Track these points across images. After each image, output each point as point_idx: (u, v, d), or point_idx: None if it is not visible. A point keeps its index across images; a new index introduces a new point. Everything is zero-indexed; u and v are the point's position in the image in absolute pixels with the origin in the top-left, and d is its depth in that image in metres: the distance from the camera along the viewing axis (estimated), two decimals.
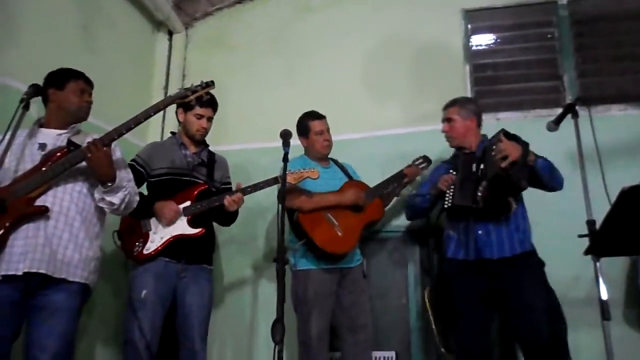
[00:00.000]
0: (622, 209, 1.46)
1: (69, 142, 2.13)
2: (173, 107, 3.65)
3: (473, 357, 2.40)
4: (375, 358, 2.92)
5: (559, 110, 3.16)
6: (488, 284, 2.40)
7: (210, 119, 2.72)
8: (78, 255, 2.06)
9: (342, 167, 2.99)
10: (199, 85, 2.26)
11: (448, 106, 2.76)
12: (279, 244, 1.84)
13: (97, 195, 2.14)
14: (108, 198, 2.12)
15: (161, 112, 3.70)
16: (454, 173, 2.55)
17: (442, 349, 2.76)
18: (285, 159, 2.13)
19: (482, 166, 2.45)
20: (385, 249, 3.32)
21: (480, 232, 2.45)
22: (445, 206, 2.52)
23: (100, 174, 2.07)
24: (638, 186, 1.43)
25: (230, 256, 3.42)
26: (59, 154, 2.09)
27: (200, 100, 2.58)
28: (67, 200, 2.08)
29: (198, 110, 2.66)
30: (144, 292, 2.38)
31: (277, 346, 1.65)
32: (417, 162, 3.06)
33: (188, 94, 2.24)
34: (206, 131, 2.72)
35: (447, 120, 2.73)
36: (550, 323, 2.27)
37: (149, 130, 3.66)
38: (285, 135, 2.21)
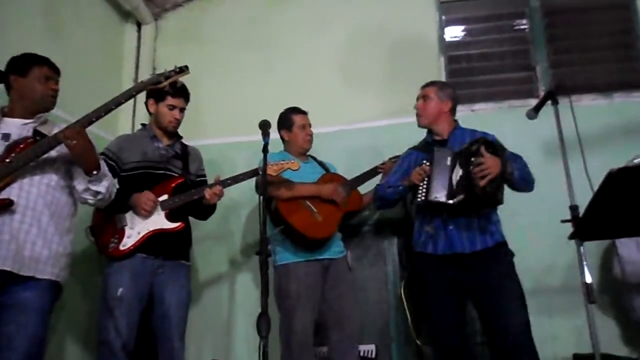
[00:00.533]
0: (608, 191, 1.46)
1: (35, 131, 2.02)
2: (144, 94, 3.61)
3: (449, 350, 2.37)
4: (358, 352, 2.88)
5: (533, 101, 3.25)
6: (458, 276, 2.36)
7: (182, 110, 2.63)
8: (47, 252, 1.96)
9: (321, 164, 2.97)
10: (172, 71, 2.19)
11: (426, 85, 2.70)
12: (261, 236, 1.78)
13: (80, 186, 2.05)
14: (94, 187, 2.03)
15: (132, 104, 3.66)
16: (427, 164, 2.44)
17: (418, 342, 2.75)
18: (265, 150, 2.08)
19: (457, 163, 2.37)
20: (364, 242, 3.31)
21: (451, 227, 2.40)
22: (419, 199, 2.42)
23: (85, 162, 1.98)
24: (625, 168, 1.43)
25: (206, 252, 3.34)
26: (22, 145, 1.97)
27: (172, 90, 2.49)
28: (34, 193, 1.97)
29: (170, 100, 2.56)
30: (120, 289, 2.28)
31: (262, 340, 1.58)
32: (392, 159, 3.02)
33: (161, 80, 2.17)
34: (179, 122, 2.63)
35: (422, 97, 2.66)
36: (521, 311, 2.26)
37: (118, 122, 3.53)
38: (265, 126, 2.16)
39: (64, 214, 2.08)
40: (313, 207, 2.66)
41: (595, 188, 1.61)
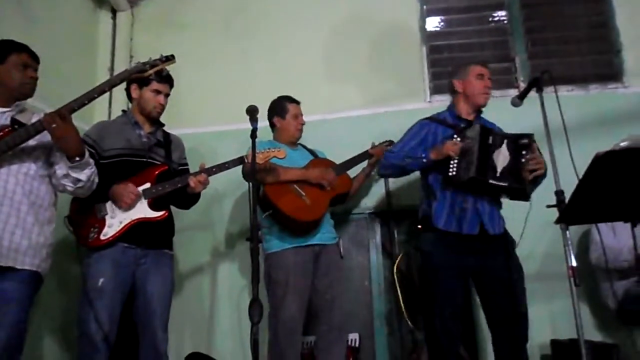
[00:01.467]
0: (594, 175, 1.49)
1: (13, 120, 1.96)
2: (120, 86, 3.52)
3: (451, 338, 2.36)
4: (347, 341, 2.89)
5: (512, 91, 3.33)
6: (474, 261, 2.38)
7: (167, 96, 2.57)
8: (27, 242, 1.92)
9: (311, 151, 2.96)
10: (158, 59, 2.14)
11: (486, 65, 2.68)
12: (252, 222, 1.76)
13: (60, 171, 1.99)
14: (74, 174, 1.99)
15: (107, 93, 3.55)
16: (458, 139, 2.41)
17: (410, 325, 2.76)
18: (253, 135, 2.04)
19: (502, 145, 2.39)
20: (347, 231, 3.32)
21: (479, 206, 2.41)
22: (450, 175, 2.38)
23: (68, 147, 1.94)
24: (611, 151, 1.46)
25: (188, 242, 3.28)
26: (1, 133, 1.91)
27: (157, 75, 2.43)
28: (12, 182, 1.92)
29: (155, 85, 2.50)
30: (101, 280, 2.22)
31: (253, 327, 1.56)
32: (383, 143, 3.05)
33: (147, 68, 2.13)
34: (163, 108, 2.57)
35: (490, 79, 2.62)
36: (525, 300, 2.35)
37: (94, 111, 3.43)
38: (252, 112, 2.12)
39: (44, 203, 2.03)
40: (301, 191, 2.65)
41: (579, 175, 1.65)
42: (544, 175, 2.40)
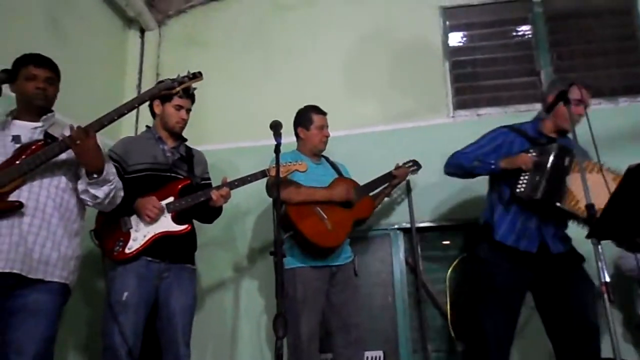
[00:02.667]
0: (627, 188, 1.45)
1: (46, 134, 2.02)
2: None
3: (501, 345, 2.28)
4: (364, 357, 2.84)
5: (538, 105, 3.27)
6: (531, 275, 2.31)
7: (188, 111, 2.61)
8: (56, 254, 1.94)
9: (333, 165, 2.94)
10: (185, 76, 2.16)
11: (588, 89, 2.46)
12: (276, 237, 1.75)
13: (80, 187, 2.02)
14: (92, 191, 2.01)
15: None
16: (534, 153, 2.32)
17: (453, 335, 2.75)
18: (277, 150, 2.05)
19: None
20: (370, 247, 3.29)
21: (542, 226, 2.33)
22: (518, 191, 2.30)
23: (88, 164, 1.96)
24: None
25: (210, 257, 3.29)
26: (34, 147, 1.96)
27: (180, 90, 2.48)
28: (43, 195, 1.96)
29: (177, 101, 2.53)
30: (125, 294, 2.23)
31: (278, 342, 1.55)
32: (406, 164, 3.03)
33: (175, 85, 2.14)
34: (185, 123, 2.60)
35: (586, 106, 2.40)
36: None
37: (121, 127, 3.50)
38: (276, 126, 2.12)
39: (73, 216, 2.06)
40: (323, 214, 2.62)
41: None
42: None
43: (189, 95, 2.58)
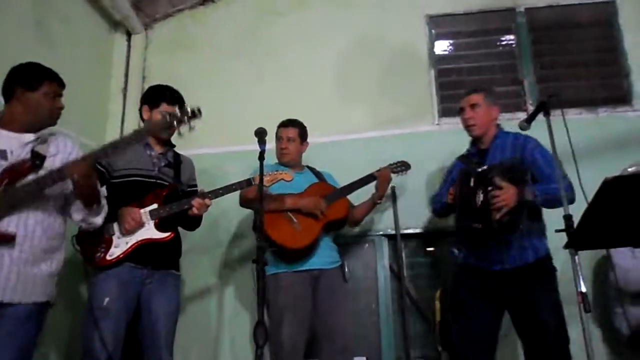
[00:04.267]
0: (603, 200, 1.48)
1: (33, 153, 1.94)
2: (133, 104, 3.57)
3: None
4: None
5: (521, 114, 3.33)
6: (498, 287, 2.32)
7: None
8: (40, 279, 1.94)
9: (317, 174, 2.95)
10: (185, 114, 2.08)
11: (470, 93, 2.58)
12: (258, 244, 1.76)
13: (76, 216, 2.05)
14: (91, 219, 2.06)
15: (120, 111, 3.64)
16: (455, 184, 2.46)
17: (439, 347, 2.83)
18: (261, 157, 2.05)
19: (479, 185, 2.32)
20: (355, 253, 3.30)
21: (491, 244, 2.34)
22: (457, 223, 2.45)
23: (87, 198, 2.00)
24: (619, 177, 1.45)
25: (193, 263, 3.28)
26: (19, 170, 1.91)
27: (167, 96, 2.48)
28: (31, 221, 1.92)
29: (165, 107, 2.50)
30: (106, 299, 2.21)
31: (258, 350, 1.55)
32: (392, 165, 3.00)
33: (173, 123, 2.07)
34: (173, 130, 2.59)
35: (470, 105, 2.52)
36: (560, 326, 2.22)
37: (107, 130, 3.49)
38: (261, 134, 2.13)
39: (59, 235, 2.05)
40: (293, 218, 2.65)
41: (588, 198, 1.64)
42: (526, 202, 2.25)
43: (177, 100, 2.55)
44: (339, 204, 2.82)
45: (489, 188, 2.25)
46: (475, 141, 2.58)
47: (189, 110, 2.07)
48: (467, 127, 2.55)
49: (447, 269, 3.03)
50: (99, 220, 2.08)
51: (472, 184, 2.34)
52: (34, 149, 1.97)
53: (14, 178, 1.88)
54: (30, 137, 1.99)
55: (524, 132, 2.30)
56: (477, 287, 2.37)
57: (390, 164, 3.00)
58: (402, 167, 3.02)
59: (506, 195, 2.22)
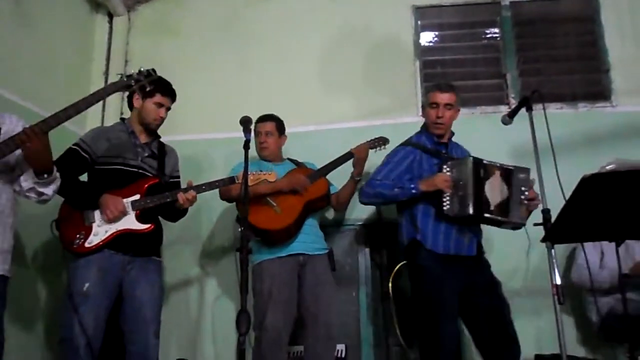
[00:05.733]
0: (580, 196, 1.52)
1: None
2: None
3: (448, 354, 2.34)
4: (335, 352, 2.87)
5: (503, 108, 3.37)
6: (465, 277, 2.40)
7: (168, 109, 2.57)
8: None
9: (298, 165, 2.96)
10: (141, 74, 2.10)
11: (447, 90, 2.58)
12: (242, 233, 1.77)
13: (25, 184, 1.97)
14: (40, 189, 1.97)
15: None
16: (448, 171, 2.43)
17: (403, 343, 2.78)
18: (246, 146, 2.05)
19: (494, 176, 2.43)
20: (338, 242, 3.31)
21: (463, 229, 2.44)
22: (446, 209, 2.39)
23: (38, 165, 1.92)
24: (597, 174, 1.49)
25: (175, 251, 3.27)
26: None
27: (162, 88, 2.47)
28: None
29: (159, 98, 2.49)
30: (86, 284, 2.20)
31: (240, 337, 1.57)
32: (370, 141, 2.98)
33: (131, 84, 2.09)
34: (162, 121, 2.57)
35: (446, 105, 2.55)
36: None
37: (87, 115, 3.42)
38: (246, 122, 2.13)
39: (6, 210, 1.98)
40: (273, 202, 2.67)
41: (566, 194, 1.69)
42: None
43: (171, 93, 2.56)
44: (319, 182, 2.84)
45: (523, 188, 2.38)
46: (433, 135, 2.63)
47: (143, 70, 2.12)
48: (435, 125, 2.58)
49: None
50: (49, 191, 2.00)
51: (482, 174, 2.39)
52: None
53: None
54: None
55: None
56: (447, 274, 2.39)
57: (369, 140, 2.99)
58: (380, 142, 3.01)
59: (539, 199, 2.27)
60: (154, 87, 2.30)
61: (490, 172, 2.42)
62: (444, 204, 2.39)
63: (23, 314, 2.71)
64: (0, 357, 1.90)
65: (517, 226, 2.47)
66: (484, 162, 2.44)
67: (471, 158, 2.44)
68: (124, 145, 2.47)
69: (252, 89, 3.55)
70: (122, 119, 2.64)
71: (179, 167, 2.73)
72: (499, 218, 2.39)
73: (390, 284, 2.91)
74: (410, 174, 2.54)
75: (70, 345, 2.16)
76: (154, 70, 2.16)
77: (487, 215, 2.36)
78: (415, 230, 2.48)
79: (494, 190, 2.38)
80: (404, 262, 2.72)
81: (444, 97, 2.56)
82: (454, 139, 2.72)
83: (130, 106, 2.58)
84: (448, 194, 2.39)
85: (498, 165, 2.46)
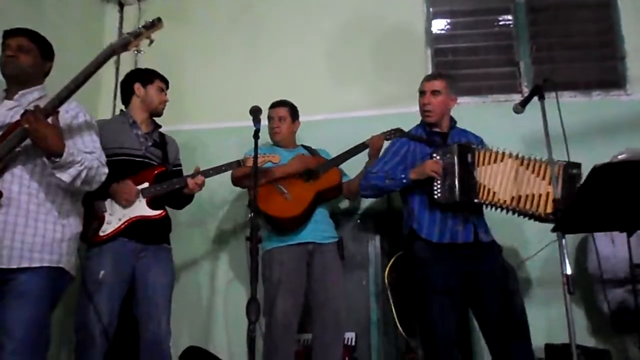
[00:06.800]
0: (591, 186, 1.51)
1: (25, 113, 1.89)
2: None
3: (443, 344, 2.34)
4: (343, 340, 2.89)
5: (516, 96, 3.34)
6: (468, 266, 2.39)
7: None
8: (40, 239, 1.89)
9: (312, 152, 2.96)
10: (143, 26, 2.00)
11: (434, 78, 2.62)
12: (252, 222, 1.78)
13: (48, 171, 1.95)
14: (57, 174, 1.91)
15: (112, 88, 3.58)
16: (438, 158, 2.41)
17: (403, 334, 2.78)
18: (256, 136, 2.06)
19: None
20: (348, 231, 3.32)
21: (472, 216, 2.43)
22: (436, 197, 2.38)
23: (43, 148, 1.85)
24: (608, 164, 1.47)
25: (185, 238, 3.29)
26: (6, 131, 1.89)
27: (157, 74, 2.52)
28: (16, 184, 1.89)
29: (158, 83, 2.57)
30: (101, 272, 2.24)
31: (250, 325, 1.59)
32: (386, 132, 2.95)
33: (131, 39, 1.98)
34: (165, 104, 2.63)
35: (433, 92, 2.57)
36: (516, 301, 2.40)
37: (99, 106, 3.46)
38: (256, 112, 2.14)
39: (58, 198, 1.98)
40: (284, 189, 2.68)
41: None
42: None
43: (165, 79, 2.63)
44: (331, 172, 2.84)
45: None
46: (430, 125, 2.62)
47: (148, 21, 2.01)
48: (424, 112, 2.60)
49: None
50: (64, 177, 1.90)
51: (469, 159, 2.37)
52: (27, 109, 1.93)
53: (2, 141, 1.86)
54: (13, 102, 1.98)
55: None
56: (444, 271, 2.38)
57: (384, 131, 2.97)
58: (396, 133, 2.97)
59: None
60: (151, 73, 2.34)
61: (480, 159, 2.38)
62: (435, 191, 2.39)
63: None
64: (45, 349, 1.90)
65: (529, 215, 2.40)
66: (473, 146, 2.42)
67: (456, 144, 2.42)
68: (127, 136, 2.50)
69: (264, 77, 3.54)
70: (122, 111, 2.66)
71: (181, 156, 2.76)
72: (493, 203, 2.35)
73: (386, 274, 2.90)
74: (404, 164, 2.55)
75: (86, 332, 2.20)
76: (159, 18, 2.01)
77: (476, 201, 2.35)
78: (413, 219, 2.49)
79: (486, 177, 2.36)
80: (401, 252, 2.76)
81: (429, 85, 2.58)
82: (465, 127, 2.70)
83: (126, 99, 2.61)
84: (438, 180, 2.39)
85: (508, 153, 2.42)
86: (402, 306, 2.87)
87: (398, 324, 2.81)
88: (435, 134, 2.61)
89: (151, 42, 2.05)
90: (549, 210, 2.19)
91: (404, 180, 2.47)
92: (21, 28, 2.05)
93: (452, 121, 2.67)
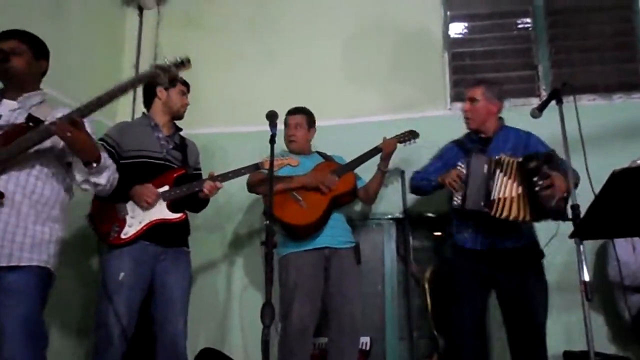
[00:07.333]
0: (610, 191, 1.49)
1: (29, 117, 1.93)
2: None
3: (469, 342, 2.39)
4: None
5: (534, 100, 3.30)
6: (491, 272, 2.41)
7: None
8: (30, 240, 1.89)
9: (327, 158, 2.97)
10: (173, 64, 2.05)
11: (473, 85, 2.65)
12: (267, 227, 1.79)
13: (79, 177, 1.98)
14: (93, 179, 1.96)
15: (131, 91, 3.63)
16: (462, 167, 2.45)
17: (435, 332, 2.84)
18: (272, 141, 2.08)
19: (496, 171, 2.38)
20: (363, 236, 3.32)
21: (489, 224, 2.42)
22: (455, 204, 2.43)
23: (82, 154, 1.90)
24: (627, 169, 1.45)
25: (202, 241, 3.29)
26: (11, 131, 1.89)
27: (181, 78, 2.55)
28: (12, 183, 1.89)
29: (180, 86, 2.62)
30: (121, 274, 2.27)
31: (264, 329, 1.60)
32: (399, 135, 2.97)
33: (159, 73, 2.05)
34: (186, 107, 2.69)
35: (470, 99, 2.61)
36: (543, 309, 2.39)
37: (118, 107, 3.51)
38: (272, 117, 2.15)
39: (49, 202, 1.98)
40: (299, 197, 2.69)
41: (596, 188, 1.65)
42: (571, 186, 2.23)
43: (187, 86, 2.68)
44: (346, 177, 2.84)
45: (535, 178, 2.30)
46: (477, 133, 2.64)
47: (178, 59, 2.07)
48: (464, 120, 2.66)
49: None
50: (102, 180, 1.97)
51: (485, 170, 2.38)
52: (31, 113, 1.95)
53: (6, 141, 1.87)
54: (15, 104, 1.99)
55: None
56: (471, 272, 2.44)
57: (397, 134, 2.97)
58: (410, 136, 2.99)
59: (559, 181, 2.25)
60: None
61: (501, 167, 2.38)
62: (454, 197, 2.45)
63: (57, 303, 2.80)
64: (43, 345, 1.90)
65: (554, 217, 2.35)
66: (492, 158, 2.41)
67: (474, 154, 2.45)
68: (148, 139, 2.54)
69: (279, 82, 3.56)
70: (144, 114, 2.70)
71: (201, 160, 2.79)
72: (506, 217, 2.32)
73: (426, 277, 2.99)
74: (446, 168, 2.58)
75: (106, 332, 2.24)
76: (188, 59, 2.08)
77: (486, 210, 2.35)
78: (451, 225, 2.57)
79: (505, 185, 2.35)
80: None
81: (468, 93, 2.65)
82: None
83: (148, 102, 2.65)
84: (455, 189, 2.44)
85: (510, 159, 2.40)
86: (439, 306, 2.93)
87: (430, 322, 2.91)
88: (479, 139, 2.62)
89: (175, 78, 2.27)
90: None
91: (433, 183, 2.59)
92: (9, 30, 2.04)
93: (500, 123, 2.65)
